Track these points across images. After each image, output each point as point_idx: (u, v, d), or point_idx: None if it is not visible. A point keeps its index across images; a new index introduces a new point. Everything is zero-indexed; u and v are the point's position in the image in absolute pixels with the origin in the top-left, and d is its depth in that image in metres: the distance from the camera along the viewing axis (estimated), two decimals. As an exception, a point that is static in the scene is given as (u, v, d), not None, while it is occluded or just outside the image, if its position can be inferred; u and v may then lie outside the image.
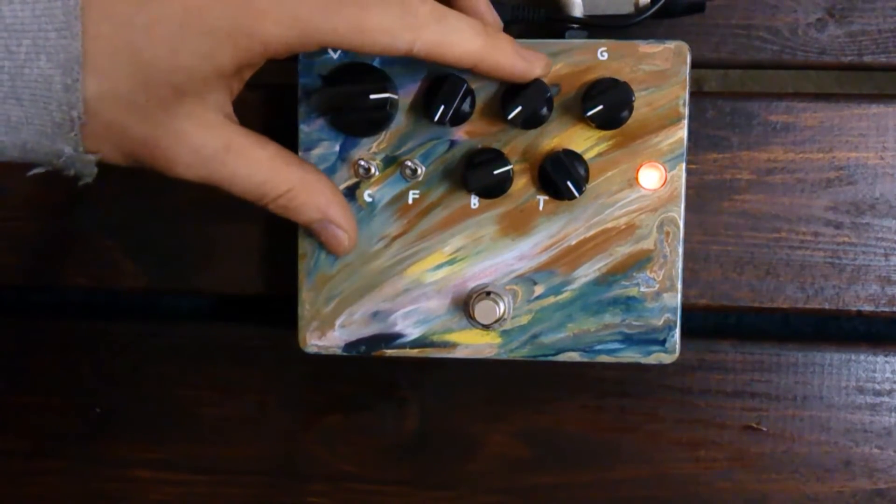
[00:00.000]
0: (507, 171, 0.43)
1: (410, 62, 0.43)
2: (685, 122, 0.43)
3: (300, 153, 0.44)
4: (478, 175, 0.43)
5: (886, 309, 0.47)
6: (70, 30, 0.34)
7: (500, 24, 0.44)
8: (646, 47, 0.43)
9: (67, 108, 0.35)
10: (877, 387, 0.48)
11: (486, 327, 0.44)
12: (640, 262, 0.44)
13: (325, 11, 0.37)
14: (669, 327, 0.44)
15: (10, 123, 0.35)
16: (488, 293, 0.44)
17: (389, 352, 0.45)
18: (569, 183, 0.43)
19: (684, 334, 0.45)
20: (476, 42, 0.39)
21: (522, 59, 0.41)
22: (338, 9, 0.37)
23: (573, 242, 0.44)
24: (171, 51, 0.36)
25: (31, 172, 0.38)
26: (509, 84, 0.43)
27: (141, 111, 0.36)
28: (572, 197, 0.43)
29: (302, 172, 0.41)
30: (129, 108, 0.36)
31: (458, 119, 0.43)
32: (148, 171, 0.39)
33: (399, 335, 0.45)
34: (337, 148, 0.44)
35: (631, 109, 0.43)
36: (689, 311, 0.47)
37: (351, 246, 0.44)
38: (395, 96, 0.44)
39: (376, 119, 0.43)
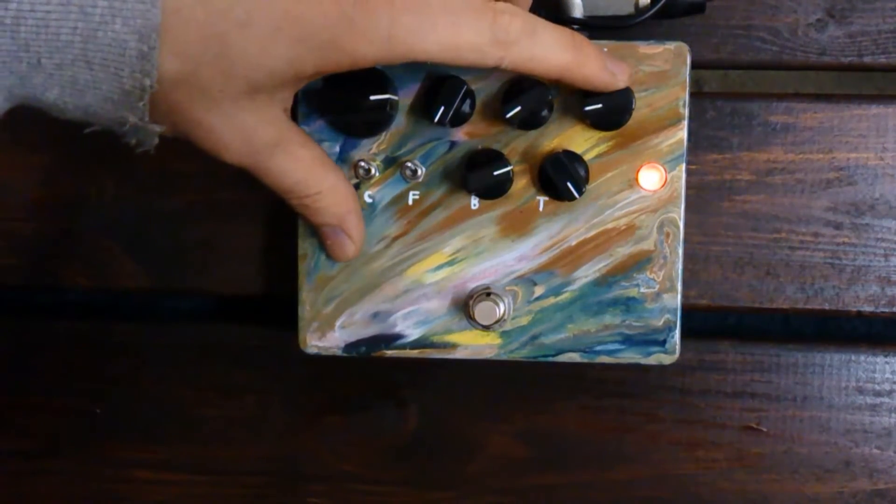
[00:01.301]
0: (508, 171, 0.43)
1: (410, 62, 0.43)
2: (685, 122, 0.43)
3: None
4: (478, 176, 0.43)
5: (886, 309, 0.48)
6: None
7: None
8: (646, 48, 0.43)
9: (141, 76, 0.34)
10: (877, 387, 0.48)
11: (487, 328, 0.44)
12: (640, 262, 0.44)
13: (419, 32, 0.36)
14: (669, 328, 0.44)
15: (76, 86, 0.34)
16: (488, 294, 0.44)
17: (389, 352, 0.45)
18: (569, 184, 0.43)
19: (684, 335, 0.45)
20: (565, 56, 0.39)
21: (608, 73, 0.41)
22: (431, 29, 0.36)
23: (573, 243, 0.44)
24: (261, 50, 0.35)
25: (87, 130, 0.36)
26: (509, 84, 0.43)
27: (211, 99, 0.36)
28: (572, 198, 0.43)
29: (334, 179, 0.41)
30: (201, 94, 0.36)
31: (459, 120, 0.43)
32: (186, 142, 0.38)
33: (399, 336, 0.45)
34: (337, 149, 0.44)
35: (631, 111, 0.43)
36: (689, 312, 0.47)
37: (354, 256, 0.44)
38: (396, 97, 0.44)
39: (376, 120, 0.43)
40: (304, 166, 0.40)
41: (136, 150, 0.37)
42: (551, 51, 0.39)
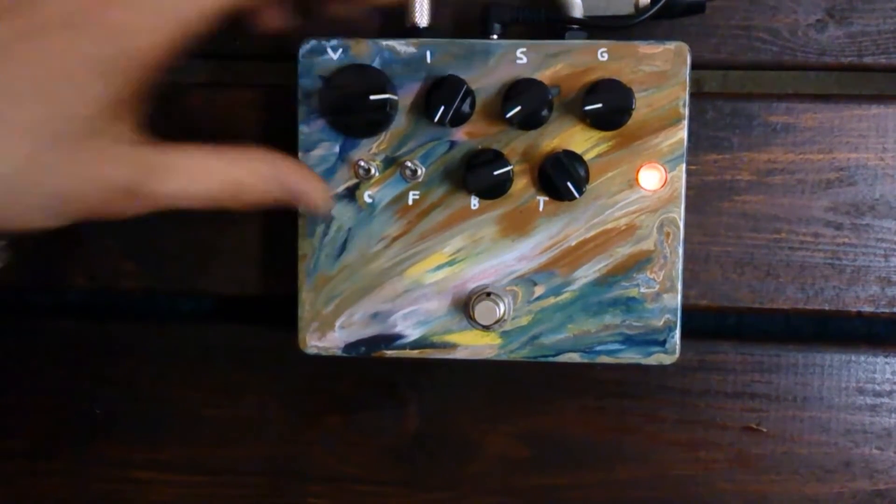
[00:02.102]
0: (508, 171, 0.43)
1: (410, 63, 0.44)
2: (685, 122, 0.43)
3: (300, 154, 0.44)
4: (478, 176, 0.43)
5: (886, 310, 0.48)
6: None
7: None
8: (646, 48, 0.43)
9: None
10: (877, 388, 0.48)
11: (486, 328, 0.44)
12: (640, 262, 0.44)
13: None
14: (669, 328, 0.44)
15: None
16: (488, 294, 0.44)
17: (389, 353, 0.45)
18: (569, 184, 0.43)
19: (684, 335, 0.45)
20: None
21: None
22: None
23: (573, 243, 0.44)
24: (55, 98, 0.35)
25: None
26: (509, 84, 0.43)
27: (43, 168, 0.36)
28: (572, 198, 0.43)
29: (239, 160, 0.40)
30: (32, 171, 0.36)
31: (458, 120, 0.43)
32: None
33: (399, 336, 0.45)
34: (337, 149, 0.44)
35: (631, 111, 0.43)
36: (689, 312, 0.47)
37: (327, 199, 0.44)
38: (395, 97, 0.44)
39: (376, 120, 0.43)
40: (195, 173, 0.39)
41: None
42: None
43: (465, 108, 0.43)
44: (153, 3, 0.36)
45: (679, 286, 0.44)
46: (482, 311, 0.44)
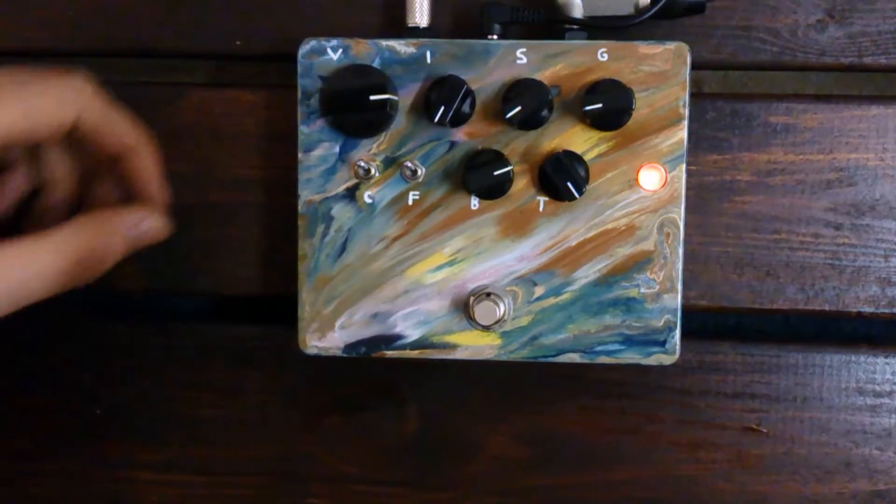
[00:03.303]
0: (508, 172, 0.43)
1: (410, 63, 0.44)
2: (685, 123, 0.43)
3: (300, 154, 0.44)
4: (478, 176, 0.43)
5: (886, 310, 0.47)
6: None
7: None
8: (646, 48, 0.43)
9: None
10: (877, 388, 0.48)
11: (487, 328, 0.44)
12: (640, 263, 0.44)
13: None
14: (669, 328, 0.44)
15: None
16: (488, 294, 0.44)
17: (389, 353, 0.45)
18: (569, 184, 0.43)
19: (684, 335, 0.45)
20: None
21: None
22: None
23: (573, 243, 0.44)
24: None
25: None
26: (509, 85, 0.43)
27: None
28: (572, 198, 0.43)
29: (46, 244, 0.40)
30: None
31: (459, 120, 0.43)
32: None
33: (399, 336, 0.45)
34: (337, 149, 0.44)
35: (631, 111, 0.43)
36: (689, 313, 0.47)
37: (161, 222, 0.44)
38: (395, 97, 0.44)
39: (376, 120, 0.43)
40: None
41: None
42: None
43: (465, 108, 0.43)
44: None
45: (679, 286, 0.44)
46: (482, 312, 0.44)
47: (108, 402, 0.51)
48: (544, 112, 0.43)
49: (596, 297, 0.44)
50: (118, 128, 0.42)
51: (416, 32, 0.45)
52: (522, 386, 0.49)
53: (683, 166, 0.44)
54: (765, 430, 0.49)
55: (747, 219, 0.47)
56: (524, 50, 0.43)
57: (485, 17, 0.45)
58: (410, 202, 0.45)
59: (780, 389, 0.49)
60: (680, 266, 0.44)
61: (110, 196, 0.44)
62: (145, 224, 0.43)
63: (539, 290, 0.45)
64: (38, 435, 0.51)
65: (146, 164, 0.44)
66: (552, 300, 0.45)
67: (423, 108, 0.44)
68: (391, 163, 0.44)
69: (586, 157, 0.44)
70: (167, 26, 0.48)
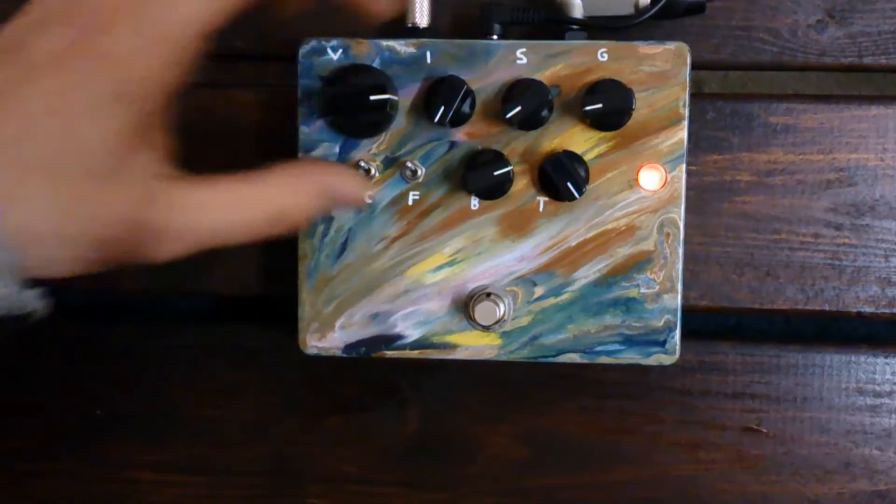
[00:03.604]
0: (508, 172, 0.43)
1: (410, 63, 0.44)
2: (685, 123, 0.43)
3: (300, 154, 0.44)
4: (478, 176, 0.43)
5: (886, 310, 0.47)
6: None
7: None
8: (646, 48, 0.43)
9: None
10: (877, 388, 0.48)
11: (487, 328, 0.44)
12: (640, 263, 0.44)
13: (173, 8, 0.35)
14: (669, 328, 0.44)
15: None
16: (488, 294, 0.44)
17: (390, 353, 0.45)
18: (569, 184, 0.43)
19: (684, 335, 0.45)
20: None
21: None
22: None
23: (573, 244, 0.44)
24: (68, 140, 0.34)
25: None
26: (510, 85, 0.43)
27: (71, 216, 0.34)
28: (572, 198, 0.43)
29: (273, 183, 0.38)
30: (60, 219, 0.34)
31: (459, 120, 0.43)
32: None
33: (399, 336, 0.45)
34: (337, 149, 0.44)
35: (631, 111, 0.43)
36: (689, 313, 0.47)
37: (366, 189, 0.43)
38: (395, 97, 0.44)
39: (376, 120, 0.43)
40: (229, 206, 0.37)
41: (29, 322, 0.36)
42: None
43: (466, 108, 0.43)
44: (137, 29, 0.35)
45: (679, 287, 0.44)
46: (482, 312, 0.44)
47: (108, 402, 0.51)
48: (544, 112, 0.43)
49: (596, 298, 0.44)
50: None
51: (416, 32, 0.45)
52: (522, 386, 0.49)
53: (683, 166, 0.44)
54: (765, 431, 0.49)
55: (747, 219, 0.47)
56: (524, 50, 0.43)
57: (485, 17, 0.45)
58: (410, 202, 0.45)
59: (780, 389, 0.49)
60: (680, 266, 0.44)
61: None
62: (349, 187, 0.41)
63: (539, 291, 0.45)
64: (38, 435, 0.51)
65: None
66: (552, 300, 0.45)
67: (423, 109, 0.44)
68: (391, 163, 0.44)
69: (586, 158, 0.44)
70: (167, 26, 0.48)
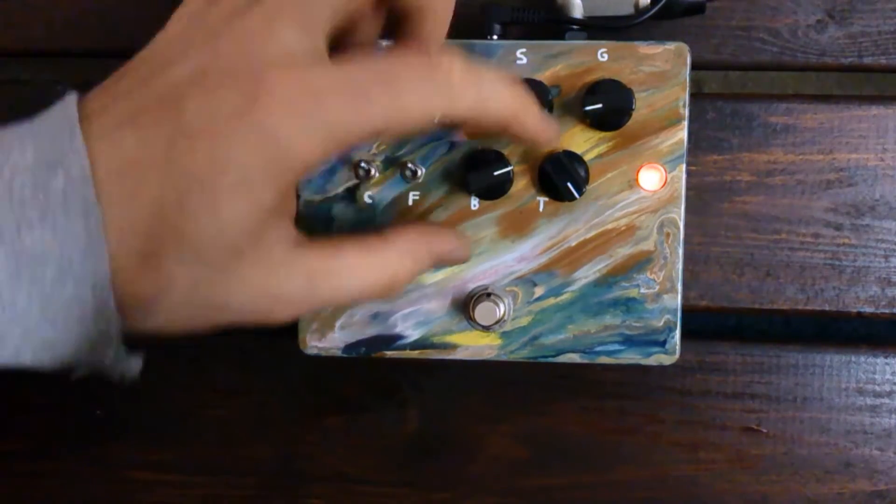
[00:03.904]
0: (508, 172, 0.43)
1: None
2: (685, 123, 0.43)
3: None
4: (478, 176, 0.43)
5: (886, 311, 0.47)
6: (94, 251, 0.32)
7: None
8: (646, 48, 0.43)
9: (105, 326, 0.33)
10: (877, 388, 0.48)
11: (487, 329, 0.44)
12: (640, 263, 0.44)
13: (355, 109, 0.33)
14: (669, 328, 0.44)
15: (45, 345, 0.33)
16: (488, 294, 0.44)
17: (390, 353, 0.45)
18: (569, 184, 0.43)
19: (684, 336, 0.45)
20: (511, 105, 0.36)
21: (549, 127, 0.38)
22: (367, 101, 0.33)
23: (573, 244, 0.44)
24: (211, 214, 0.32)
25: (74, 377, 0.35)
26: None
27: (205, 286, 0.34)
28: (572, 198, 0.43)
29: (391, 254, 0.38)
30: (193, 288, 0.34)
31: (459, 120, 0.43)
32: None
33: (399, 336, 0.45)
34: (337, 149, 0.44)
35: (631, 111, 0.43)
36: (689, 313, 0.47)
37: (469, 247, 0.43)
38: (396, 97, 0.44)
39: (376, 120, 0.43)
40: (351, 274, 0.37)
41: (122, 385, 0.36)
42: (496, 98, 0.35)
43: (465, 108, 0.43)
44: (320, 113, 0.32)
45: (679, 287, 0.44)
46: (482, 312, 0.44)
47: (109, 404, 0.51)
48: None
49: (596, 298, 0.44)
50: None
51: (416, 33, 0.45)
52: (522, 386, 0.49)
53: (683, 166, 0.44)
54: (765, 431, 0.49)
55: (747, 219, 0.47)
56: (524, 50, 0.43)
57: (485, 17, 0.45)
58: (410, 202, 0.45)
59: (780, 390, 0.49)
60: (680, 266, 0.44)
61: (372, 35, 0.40)
62: (457, 251, 0.42)
63: (539, 291, 0.45)
64: (40, 436, 0.51)
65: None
66: (552, 300, 0.45)
67: (423, 109, 0.44)
68: (391, 163, 0.44)
69: (586, 158, 0.44)
70: (167, 26, 0.48)
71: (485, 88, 0.35)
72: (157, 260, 0.33)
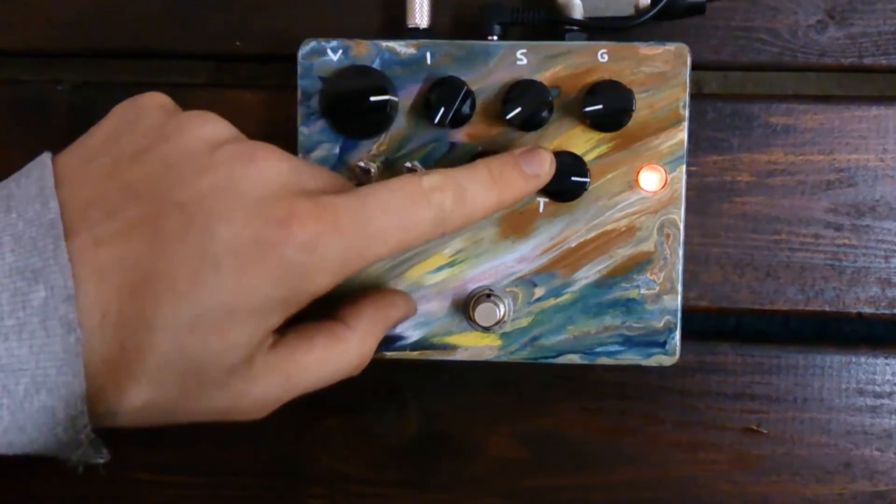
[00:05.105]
0: (508, 173, 0.43)
1: (410, 64, 0.44)
2: (685, 123, 0.43)
3: (299, 155, 0.44)
4: (478, 177, 0.43)
5: (887, 311, 0.47)
6: (70, 367, 0.32)
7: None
8: (646, 49, 0.43)
9: (74, 433, 0.34)
10: (877, 389, 0.48)
11: (487, 329, 0.44)
12: (640, 264, 0.44)
13: (367, 245, 0.35)
14: (669, 329, 0.44)
15: (13, 447, 0.34)
16: (488, 295, 0.44)
17: (389, 354, 0.45)
18: (569, 185, 0.43)
19: (684, 336, 0.45)
20: (492, 197, 0.39)
21: (530, 178, 0.41)
22: (382, 241, 0.36)
23: (573, 244, 0.44)
24: (221, 338, 0.34)
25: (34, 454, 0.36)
26: (510, 86, 0.43)
27: (193, 396, 0.35)
28: (572, 199, 0.43)
29: (352, 338, 0.40)
30: (179, 399, 0.35)
31: (459, 121, 0.43)
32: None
33: (399, 337, 0.45)
34: (337, 150, 0.44)
35: (631, 112, 0.43)
36: (689, 313, 0.47)
37: (414, 305, 0.45)
38: (395, 98, 0.44)
39: (376, 121, 0.43)
40: (322, 367, 0.39)
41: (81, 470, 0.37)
42: (480, 200, 0.38)
43: (466, 109, 0.43)
44: (338, 250, 0.34)
45: (679, 287, 0.44)
46: (482, 313, 0.44)
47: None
48: (544, 113, 0.43)
49: (596, 298, 0.44)
50: None
51: (415, 33, 0.45)
52: (522, 387, 0.49)
53: (684, 167, 0.44)
54: (765, 431, 0.49)
55: (747, 219, 0.47)
56: (524, 51, 0.43)
57: (485, 17, 0.45)
58: (410, 203, 0.44)
59: (780, 390, 0.49)
60: (680, 267, 0.44)
61: None
62: (408, 312, 0.44)
63: (539, 291, 0.45)
64: (38, 436, 0.51)
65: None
66: (552, 301, 0.45)
67: (423, 109, 0.44)
68: (391, 164, 0.44)
69: (586, 159, 0.44)
70: (167, 27, 0.48)
71: (469, 202, 0.38)
72: (142, 377, 0.33)
